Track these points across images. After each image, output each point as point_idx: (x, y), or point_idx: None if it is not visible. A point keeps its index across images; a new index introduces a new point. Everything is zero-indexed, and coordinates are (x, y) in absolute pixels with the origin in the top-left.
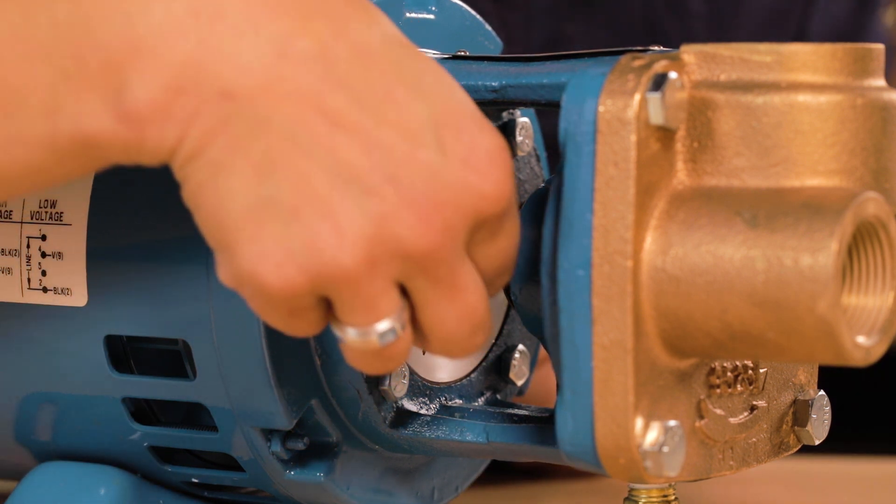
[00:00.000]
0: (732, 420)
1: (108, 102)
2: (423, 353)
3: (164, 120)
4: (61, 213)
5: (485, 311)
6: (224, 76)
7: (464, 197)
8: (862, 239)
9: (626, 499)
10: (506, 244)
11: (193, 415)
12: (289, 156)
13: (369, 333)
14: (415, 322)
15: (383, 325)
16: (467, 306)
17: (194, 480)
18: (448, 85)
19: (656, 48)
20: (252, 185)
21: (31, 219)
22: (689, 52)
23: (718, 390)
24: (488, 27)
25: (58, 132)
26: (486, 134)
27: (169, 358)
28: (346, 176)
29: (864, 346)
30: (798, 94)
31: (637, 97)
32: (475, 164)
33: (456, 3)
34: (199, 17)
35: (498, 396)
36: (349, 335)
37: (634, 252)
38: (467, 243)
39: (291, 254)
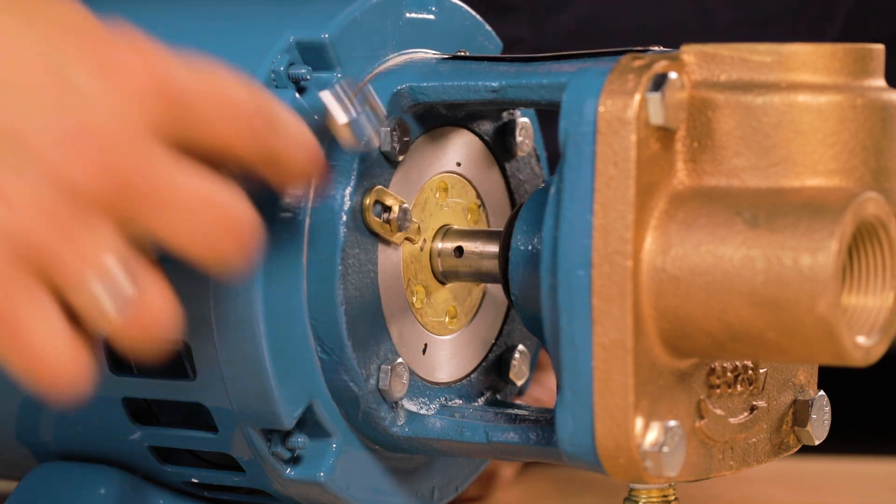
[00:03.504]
0: (732, 420)
1: None
2: (424, 354)
3: None
4: None
5: (220, 192)
6: None
7: (102, 99)
8: (862, 239)
9: (626, 499)
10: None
11: (193, 415)
12: None
13: (94, 287)
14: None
15: (111, 268)
16: (192, 204)
17: (194, 481)
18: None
19: (656, 48)
20: None
21: None
22: (689, 52)
23: (718, 390)
24: (488, 27)
25: None
26: (117, 46)
27: (169, 358)
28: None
29: (863, 346)
30: (798, 94)
31: (637, 97)
32: (110, 71)
33: (456, 3)
34: None
35: (498, 396)
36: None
37: (634, 252)
38: (165, 145)
39: None
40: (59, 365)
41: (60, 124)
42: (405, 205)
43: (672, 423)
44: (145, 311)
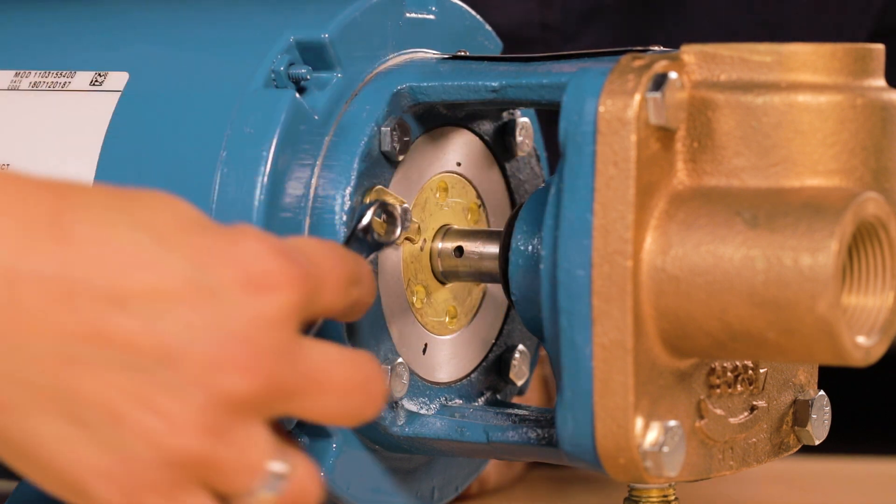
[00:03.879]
0: (732, 420)
1: None
2: (424, 354)
3: None
4: None
5: (362, 370)
6: None
7: (261, 318)
8: (862, 239)
9: (626, 499)
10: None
11: None
12: (75, 372)
13: (267, 490)
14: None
15: (274, 470)
16: (338, 386)
17: None
18: (189, 225)
19: (656, 48)
20: (57, 416)
21: None
22: (689, 52)
23: (718, 390)
24: (488, 27)
25: None
26: (241, 244)
27: None
28: (142, 361)
29: (863, 346)
30: (798, 94)
31: (637, 97)
32: (253, 282)
33: (456, 3)
34: None
35: (498, 396)
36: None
37: (634, 252)
38: (302, 331)
39: (136, 463)
40: None
41: (211, 337)
42: (405, 205)
43: (672, 423)
44: (298, 489)
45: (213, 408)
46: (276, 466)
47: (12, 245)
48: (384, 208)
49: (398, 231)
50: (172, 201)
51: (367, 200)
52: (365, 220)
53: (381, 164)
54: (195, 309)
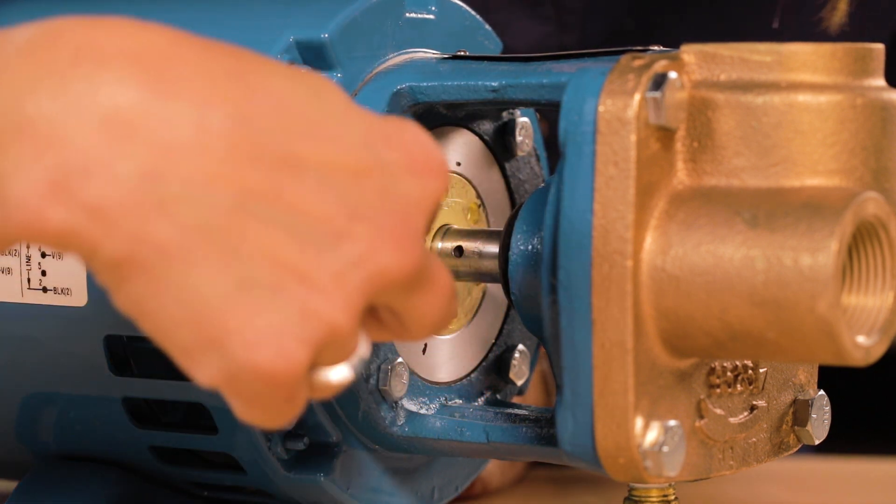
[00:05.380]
0: (732, 420)
1: None
2: (424, 353)
3: (70, 212)
4: None
5: (452, 280)
6: (143, 158)
7: (421, 202)
8: (862, 239)
9: (626, 499)
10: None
11: (193, 415)
12: (246, 228)
13: (350, 369)
14: (394, 325)
15: (361, 354)
16: (444, 289)
17: (194, 481)
18: (353, 105)
19: (656, 48)
20: (222, 269)
21: None
22: (689, 52)
23: (718, 390)
24: (488, 27)
25: None
26: (407, 131)
27: (169, 358)
28: (312, 230)
29: (863, 346)
30: (798, 94)
31: (637, 97)
32: (417, 166)
33: (456, 3)
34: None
35: (498, 396)
36: (332, 377)
37: (634, 252)
38: None
39: (288, 329)
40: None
41: (375, 216)
42: None
43: (672, 422)
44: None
45: (365, 287)
46: (364, 349)
47: (198, 94)
48: None
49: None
50: (336, 86)
51: None
52: None
53: None
54: (365, 186)
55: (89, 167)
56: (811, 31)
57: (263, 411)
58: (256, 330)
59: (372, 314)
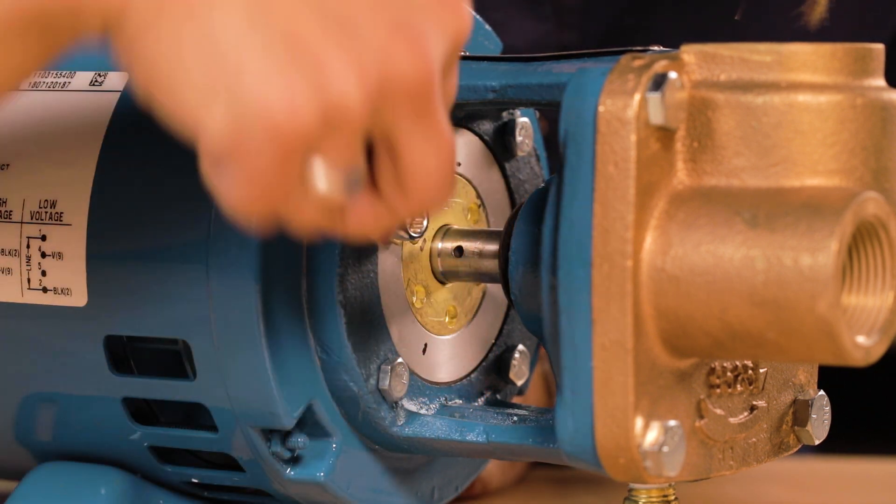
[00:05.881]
0: (732, 420)
1: None
2: (424, 353)
3: None
4: (61, 213)
5: (454, 143)
6: None
7: (443, 17)
8: (862, 239)
9: (626, 499)
10: (455, 81)
11: (193, 415)
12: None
13: (341, 180)
14: (392, 175)
15: (355, 172)
16: (447, 143)
17: (194, 480)
18: None
19: (656, 48)
20: (248, 25)
21: (31, 219)
22: (689, 52)
23: (718, 390)
24: (488, 27)
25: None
26: None
27: (169, 358)
28: (337, 17)
29: (863, 346)
30: (798, 94)
31: (637, 97)
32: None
33: None
34: None
35: (498, 396)
36: (323, 183)
37: (634, 252)
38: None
39: (301, 88)
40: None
41: (392, 14)
42: None
43: (672, 422)
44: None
45: (379, 78)
46: (359, 170)
47: None
48: None
49: (425, 223)
50: None
51: None
52: None
53: None
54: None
55: None
56: (801, 30)
57: (255, 183)
58: (271, 81)
59: (370, 183)
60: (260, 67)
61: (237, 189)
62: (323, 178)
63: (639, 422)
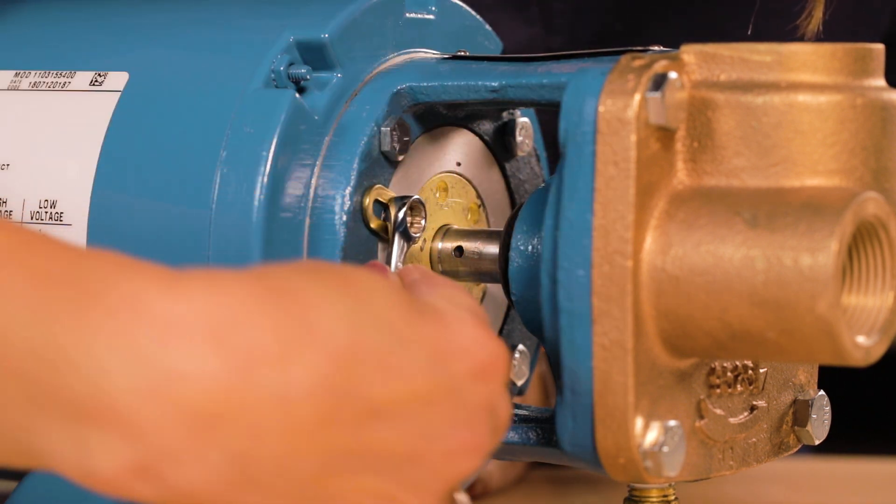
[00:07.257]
0: (732, 420)
1: (72, 451)
2: None
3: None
4: (61, 213)
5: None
6: (231, 443)
7: (492, 397)
8: (862, 239)
9: (626, 499)
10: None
11: None
12: (334, 485)
13: None
14: None
15: None
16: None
17: None
18: (412, 311)
19: (656, 48)
20: None
21: (31, 219)
22: (689, 52)
23: (718, 390)
24: (488, 27)
25: (17, 444)
26: (466, 330)
27: None
28: (397, 465)
29: (863, 346)
30: (798, 94)
31: (637, 97)
32: (483, 368)
33: (456, 3)
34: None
35: None
36: None
37: (634, 252)
38: None
39: None
40: None
41: (450, 430)
42: (417, 196)
43: (672, 422)
44: None
45: (446, 491)
46: None
47: (274, 359)
48: (406, 203)
49: (423, 223)
50: (380, 283)
51: (367, 200)
52: (401, 215)
53: (380, 164)
54: (440, 408)
55: (179, 456)
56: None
57: None
58: None
59: None
60: None
61: None
62: None
63: (639, 422)
